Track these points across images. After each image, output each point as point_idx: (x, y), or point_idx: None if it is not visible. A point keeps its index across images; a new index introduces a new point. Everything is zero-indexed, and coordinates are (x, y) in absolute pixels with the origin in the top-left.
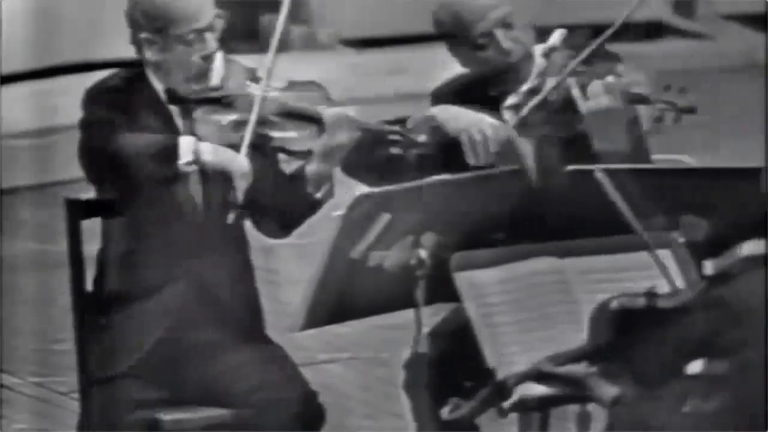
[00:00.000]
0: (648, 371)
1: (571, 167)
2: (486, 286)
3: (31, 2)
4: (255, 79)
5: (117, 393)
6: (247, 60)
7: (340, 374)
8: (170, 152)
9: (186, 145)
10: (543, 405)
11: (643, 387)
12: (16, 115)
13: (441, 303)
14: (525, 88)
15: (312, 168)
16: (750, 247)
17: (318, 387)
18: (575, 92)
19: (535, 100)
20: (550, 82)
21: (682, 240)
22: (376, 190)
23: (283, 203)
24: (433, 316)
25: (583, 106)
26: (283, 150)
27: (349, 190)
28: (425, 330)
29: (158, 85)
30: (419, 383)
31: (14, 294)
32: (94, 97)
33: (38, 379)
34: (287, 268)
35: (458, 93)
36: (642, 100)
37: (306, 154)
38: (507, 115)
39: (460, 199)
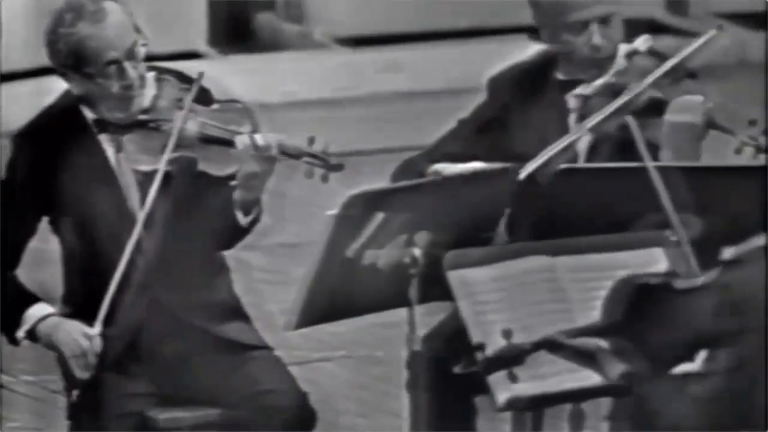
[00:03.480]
0: (658, 352)
1: (563, 166)
2: (478, 284)
3: (31, 2)
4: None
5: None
6: (238, 60)
7: (335, 373)
8: (13, 321)
9: (28, 318)
10: (537, 404)
11: (653, 368)
12: (16, 114)
13: (434, 301)
14: (600, 82)
15: (236, 194)
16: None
17: (312, 386)
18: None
19: (618, 102)
20: (635, 88)
21: (674, 238)
22: (369, 189)
23: (211, 228)
24: (426, 314)
25: (673, 116)
26: (206, 175)
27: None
28: (422, 331)
29: (88, 114)
30: (420, 382)
31: None
32: (19, 146)
33: (31, 377)
34: (287, 268)
35: (516, 80)
36: (724, 130)
37: (227, 179)
38: (572, 102)
39: (454, 198)
